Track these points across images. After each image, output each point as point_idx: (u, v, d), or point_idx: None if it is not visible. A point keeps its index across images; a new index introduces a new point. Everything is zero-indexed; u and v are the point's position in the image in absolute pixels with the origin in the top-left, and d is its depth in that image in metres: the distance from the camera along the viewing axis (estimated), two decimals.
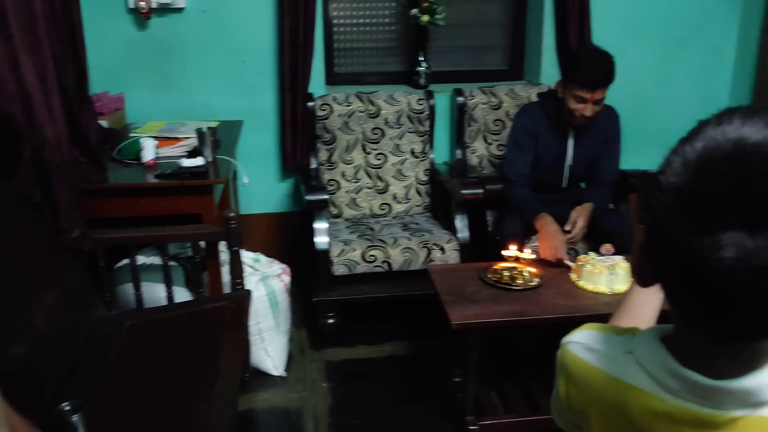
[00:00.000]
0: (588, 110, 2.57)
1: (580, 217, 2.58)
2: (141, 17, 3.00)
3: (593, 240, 2.65)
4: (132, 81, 3.09)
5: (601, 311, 2.12)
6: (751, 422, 0.67)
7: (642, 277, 0.76)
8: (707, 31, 3.51)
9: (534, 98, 3.19)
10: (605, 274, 2.23)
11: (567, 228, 2.60)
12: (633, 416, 0.73)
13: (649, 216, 0.68)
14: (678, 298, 0.68)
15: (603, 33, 3.29)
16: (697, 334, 0.69)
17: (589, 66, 2.51)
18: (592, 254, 2.33)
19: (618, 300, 2.15)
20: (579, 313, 2.13)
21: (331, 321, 2.79)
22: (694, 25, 3.47)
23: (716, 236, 0.59)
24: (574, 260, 2.40)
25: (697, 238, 0.60)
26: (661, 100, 3.55)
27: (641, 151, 3.40)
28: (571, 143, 2.75)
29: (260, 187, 3.26)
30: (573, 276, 2.33)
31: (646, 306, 0.98)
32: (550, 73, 3.41)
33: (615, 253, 2.35)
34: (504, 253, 2.35)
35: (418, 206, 3.20)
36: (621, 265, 2.25)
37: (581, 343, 0.82)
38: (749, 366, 0.67)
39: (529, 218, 2.62)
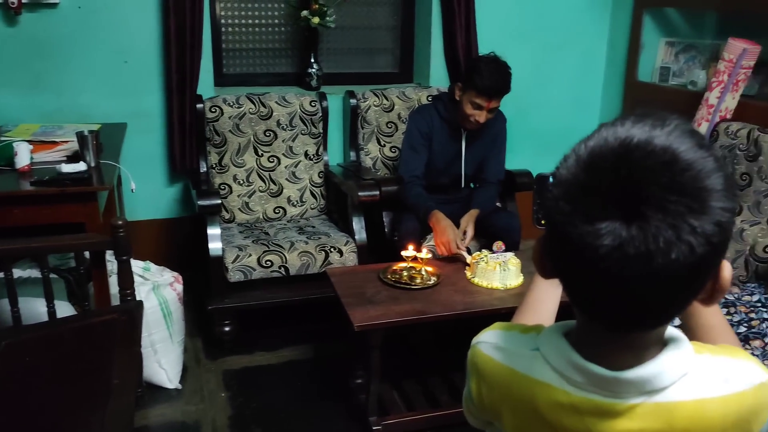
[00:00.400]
0: (482, 117, 2.67)
1: (468, 225, 2.64)
2: (11, 12, 2.78)
3: (484, 238, 2.74)
4: (1, 81, 2.86)
5: (495, 306, 2.21)
6: (647, 409, 0.71)
7: (543, 269, 0.79)
8: (580, 37, 3.73)
9: (425, 101, 3.26)
10: (498, 270, 2.32)
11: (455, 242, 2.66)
12: (541, 410, 0.76)
13: (544, 209, 0.72)
14: (572, 288, 0.72)
15: (487, 38, 3.42)
16: (595, 326, 0.73)
17: (489, 76, 2.60)
18: (485, 252, 2.41)
19: (511, 294, 2.26)
20: (475, 308, 2.20)
21: (227, 329, 2.71)
22: (568, 31, 3.68)
23: (596, 225, 0.63)
24: (469, 253, 2.48)
25: (579, 227, 0.64)
26: (540, 102, 3.73)
27: (523, 152, 3.59)
28: (463, 144, 2.84)
29: (147, 192, 3.12)
30: (468, 273, 2.40)
31: (547, 301, 1.03)
32: (438, 76, 3.50)
33: (506, 250, 2.45)
34: (402, 253, 2.38)
35: (313, 209, 3.18)
36: (512, 261, 2.35)
37: (490, 342, 0.84)
38: (643, 356, 0.72)
39: (423, 216, 2.67)
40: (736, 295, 2.20)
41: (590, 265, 0.65)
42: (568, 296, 0.74)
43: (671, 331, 0.75)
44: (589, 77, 3.84)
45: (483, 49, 3.40)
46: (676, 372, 0.71)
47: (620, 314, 0.69)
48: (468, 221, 2.66)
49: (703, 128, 2.92)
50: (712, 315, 0.88)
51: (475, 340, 0.87)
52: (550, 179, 1.01)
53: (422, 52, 3.57)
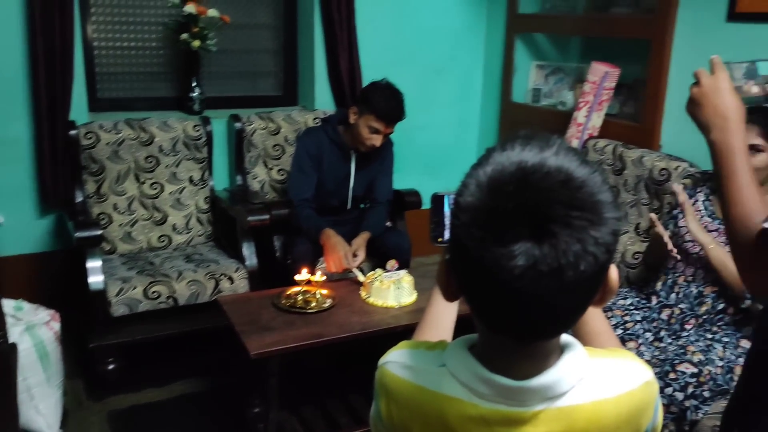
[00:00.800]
0: (378, 141, 2.74)
1: (360, 248, 2.66)
2: None
3: (376, 257, 2.77)
4: None
5: (392, 324, 2.23)
6: (550, 414, 0.75)
7: (448, 291, 0.82)
8: (458, 60, 3.90)
9: (311, 123, 3.27)
10: (392, 289, 2.35)
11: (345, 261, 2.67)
12: (452, 424, 0.78)
13: (452, 234, 0.75)
14: (481, 306, 0.75)
15: (370, 61, 3.49)
16: (499, 339, 0.76)
17: (388, 102, 2.70)
18: (379, 271, 2.43)
19: (406, 312, 2.29)
20: (372, 328, 2.21)
21: (111, 366, 2.55)
22: (447, 55, 3.83)
23: (509, 247, 0.66)
24: (363, 274, 2.49)
25: (493, 250, 0.67)
26: (423, 124, 3.84)
27: (410, 171, 3.68)
28: (353, 166, 2.87)
29: (16, 225, 2.90)
30: (363, 293, 2.41)
31: (446, 317, 1.06)
32: (323, 98, 3.52)
33: (399, 268, 2.49)
34: (296, 277, 2.36)
35: (200, 236, 3.08)
36: (406, 279, 2.39)
37: (398, 362, 0.85)
38: (544, 364, 0.76)
39: (314, 236, 2.67)
40: (611, 300, 2.36)
41: (505, 284, 0.67)
42: (475, 313, 0.76)
43: (565, 337, 0.80)
44: (468, 99, 4.01)
45: (366, 72, 3.47)
46: (573, 377, 0.76)
47: (528, 326, 0.72)
48: (359, 244, 2.68)
49: (574, 145, 3.12)
50: (599, 322, 0.95)
51: (381, 360, 0.88)
52: (446, 198, 1.05)
53: (306, 76, 3.58)
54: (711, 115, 1.08)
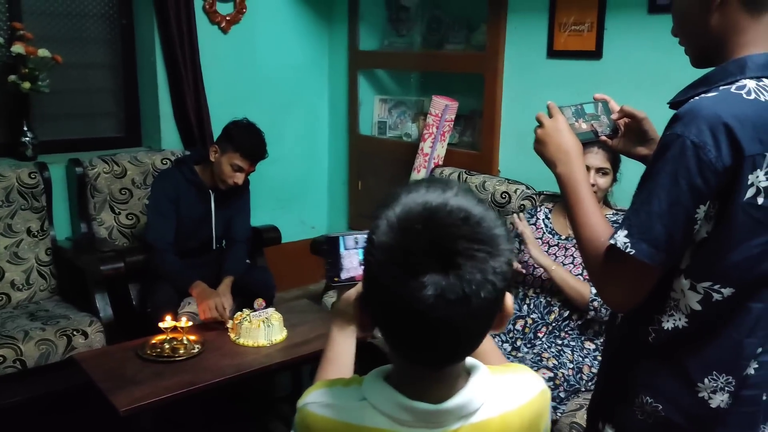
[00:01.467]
0: (241, 179, 2.74)
1: (225, 295, 2.59)
2: None
3: (241, 297, 2.74)
4: None
5: (265, 363, 2.22)
6: (466, 430, 0.82)
7: (363, 325, 0.87)
8: (304, 96, 3.98)
9: (159, 164, 3.18)
10: (262, 327, 2.34)
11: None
12: None
13: (367, 271, 0.81)
14: (395, 336, 0.81)
15: (217, 100, 3.47)
16: (414, 367, 0.82)
17: (253, 141, 2.73)
18: (246, 311, 2.41)
19: (278, 349, 2.30)
20: (246, 369, 2.18)
21: None
22: (293, 91, 3.90)
23: (419, 279, 0.73)
24: (231, 317, 2.46)
25: (406, 283, 0.74)
26: (274, 159, 3.83)
27: (265, 207, 3.68)
28: (213, 206, 2.84)
29: None
30: (232, 335, 2.38)
31: (346, 354, 1.09)
32: (170, 138, 3.43)
33: (266, 306, 2.48)
34: (160, 325, 2.27)
35: (43, 290, 2.86)
36: (275, 317, 2.39)
37: (317, 402, 0.88)
38: (455, 386, 0.83)
39: (181, 286, 2.59)
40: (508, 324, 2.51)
41: (418, 314, 0.74)
42: (390, 344, 0.82)
43: (468, 359, 0.87)
44: (316, 132, 4.10)
45: (214, 110, 3.44)
46: (482, 395, 0.84)
47: (440, 352, 0.79)
48: (224, 290, 2.63)
49: (422, 174, 3.31)
50: (487, 342, 1.03)
51: (300, 402, 0.90)
52: (340, 239, 1.11)
53: (150, 115, 3.47)
54: (555, 152, 1.20)
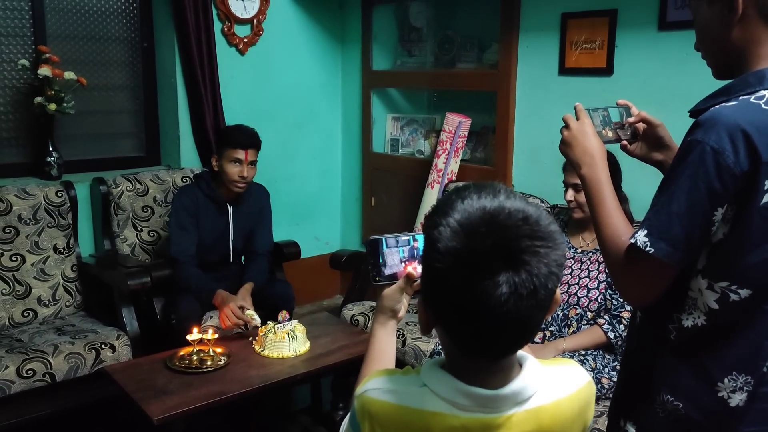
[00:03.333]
0: (245, 170, 2.80)
1: (245, 298, 2.67)
2: None
3: (262, 309, 2.79)
4: None
5: (291, 374, 2.28)
6: (520, 417, 0.88)
7: (426, 326, 0.93)
8: (318, 114, 4.06)
9: (179, 182, 3.26)
10: (287, 339, 2.39)
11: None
12: None
13: (431, 276, 0.86)
14: (461, 333, 0.87)
15: (233, 119, 3.54)
16: (470, 359, 0.88)
17: (238, 130, 2.85)
18: (271, 323, 2.47)
19: (302, 360, 2.36)
20: (272, 380, 2.24)
21: None
22: (307, 111, 3.99)
23: (493, 278, 0.79)
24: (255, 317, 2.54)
25: (480, 283, 0.80)
26: (288, 175, 3.95)
27: (281, 222, 3.74)
28: (231, 219, 2.91)
29: None
30: (257, 347, 2.43)
31: (389, 351, 1.15)
32: (189, 157, 3.52)
33: (289, 318, 2.54)
34: (188, 337, 2.33)
35: (68, 306, 2.92)
36: (298, 329, 2.45)
37: (379, 388, 0.93)
38: (510, 374, 0.89)
39: (204, 298, 2.67)
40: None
41: (489, 311, 0.80)
42: (454, 341, 0.88)
43: (518, 352, 0.93)
44: (330, 150, 4.18)
45: None
46: (535, 383, 0.90)
47: (504, 345, 0.86)
48: (244, 294, 2.70)
49: (436, 190, 3.37)
50: None
51: (360, 390, 0.95)
52: (382, 241, 1.18)
53: (170, 135, 3.56)
54: (581, 155, 1.26)
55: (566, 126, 1.30)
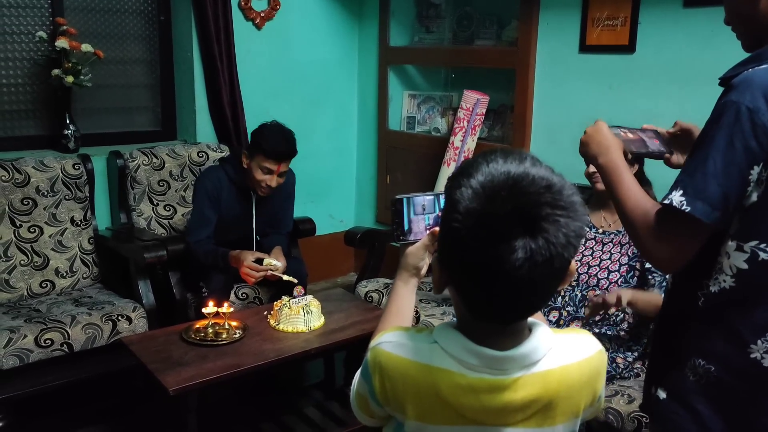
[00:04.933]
0: (274, 182, 2.75)
1: (278, 256, 2.74)
2: None
3: (276, 286, 2.81)
4: None
5: (305, 348, 2.28)
6: (528, 380, 0.89)
7: (439, 285, 0.93)
8: (334, 92, 4.04)
9: (195, 157, 3.26)
10: (302, 314, 2.40)
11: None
12: (443, 393, 0.89)
13: (448, 235, 0.86)
14: (474, 295, 0.87)
15: (251, 95, 3.55)
16: (481, 322, 0.89)
17: (276, 141, 2.71)
18: (286, 298, 2.47)
19: (316, 335, 2.36)
20: (286, 354, 2.24)
21: (1, 424, 2.38)
22: (323, 87, 3.96)
23: (510, 243, 0.79)
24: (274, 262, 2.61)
25: (496, 246, 0.80)
26: (304, 154, 3.89)
27: (296, 199, 3.74)
28: (254, 205, 2.90)
29: None
30: (272, 321, 2.44)
31: (408, 308, 1.16)
32: (205, 132, 3.51)
33: (304, 294, 2.54)
34: (204, 310, 2.34)
35: (86, 278, 2.94)
36: (313, 304, 2.45)
37: (392, 341, 0.95)
38: (520, 338, 0.90)
39: (223, 264, 2.70)
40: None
41: (504, 275, 0.80)
42: (466, 303, 0.88)
43: (530, 318, 0.93)
44: (345, 128, 4.16)
45: (248, 105, 3.51)
46: (544, 347, 0.90)
47: (517, 309, 0.86)
48: (277, 254, 2.76)
49: (452, 167, 3.35)
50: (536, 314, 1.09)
51: (374, 342, 0.97)
52: (405, 200, 1.18)
53: (186, 110, 3.55)
54: (596, 147, 1.32)
55: (584, 133, 1.37)
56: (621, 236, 2.34)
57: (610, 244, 2.36)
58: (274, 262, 2.63)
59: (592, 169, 2.32)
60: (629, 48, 2.75)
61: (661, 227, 1.14)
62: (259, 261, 2.67)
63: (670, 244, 1.14)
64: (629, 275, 2.29)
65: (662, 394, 1.25)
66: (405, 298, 1.14)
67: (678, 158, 1.44)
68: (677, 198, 1.09)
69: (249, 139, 2.86)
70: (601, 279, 2.32)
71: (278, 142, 2.72)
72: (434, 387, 0.89)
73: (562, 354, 0.92)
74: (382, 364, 0.94)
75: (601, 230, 2.42)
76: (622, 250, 2.32)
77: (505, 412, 0.88)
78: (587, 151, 1.35)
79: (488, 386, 0.88)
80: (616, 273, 2.30)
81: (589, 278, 2.34)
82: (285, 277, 2.64)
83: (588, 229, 2.44)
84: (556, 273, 0.82)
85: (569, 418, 0.92)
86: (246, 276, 2.63)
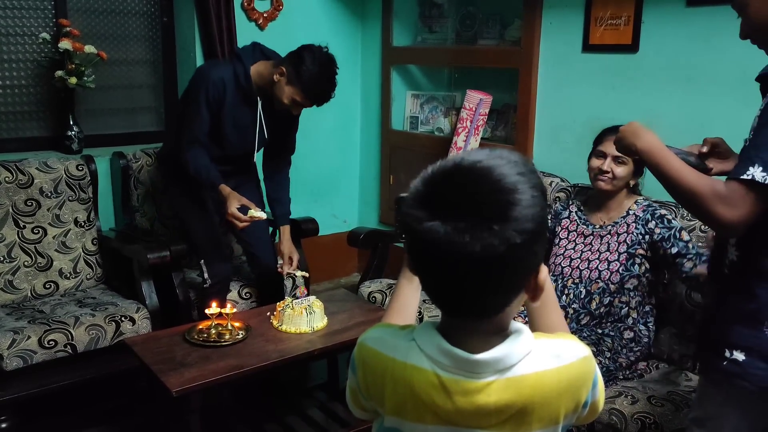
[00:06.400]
0: (297, 111, 2.64)
1: (291, 251, 2.72)
2: None
3: (275, 287, 2.81)
4: None
5: (308, 349, 2.28)
6: (500, 384, 0.87)
7: (409, 270, 0.95)
8: (337, 92, 3.95)
9: None
10: (305, 314, 2.40)
11: (284, 266, 2.77)
12: (417, 391, 0.89)
13: (400, 221, 0.89)
14: (427, 284, 0.89)
15: None
16: (451, 318, 0.90)
17: (321, 87, 2.51)
18: (288, 299, 2.47)
19: (320, 336, 2.36)
20: (289, 355, 2.24)
21: (4, 425, 2.38)
22: None
23: (434, 221, 0.80)
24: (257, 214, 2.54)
25: (422, 225, 0.81)
26: (308, 153, 3.92)
27: (299, 199, 3.74)
28: (260, 113, 2.67)
29: None
30: (275, 322, 2.44)
31: (411, 304, 1.17)
32: None
33: (307, 294, 2.54)
34: (207, 311, 2.34)
35: (89, 279, 2.95)
36: (316, 304, 2.45)
37: (374, 337, 0.97)
38: (492, 341, 0.88)
39: (211, 191, 2.60)
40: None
41: (454, 263, 0.81)
42: (430, 296, 0.89)
43: (515, 324, 0.93)
44: (348, 127, 4.16)
45: None
46: (520, 352, 0.88)
47: (467, 302, 0.85)
48: (289, 248, 2.75)
49: None
50: (556, 317, 1.07)
51: (361, 338, 0.99)
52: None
53: None
54: (632, 136, 1.45)
55: (618, 131, 1.52)
56: (617, 227, 2.34)
57: (608, 236, 2.36)
58: (258, 214, 2.50)
59: (606, 166, 2.31)
60: (632, 47, 2.74)
61: (735, 197, 1.26)
62: (245, 209, 2.54)
63: (742, 213, 1.26)
64: (629, 263, 2.29)
65: (740, 356, 1.36)
66: (408, 295, 1.14)
67: (719, 167, 1.55)
68: (759, 173, 1.23)
69: (294, 58, 2.52)
70: (602, 270, 2.32)
71: (325, 89, 2.53)
72: (410, 384, 0.89)
73: (539, 360, 0.90)
74: (364, 358, 0.96)
75: (598, 226, 2.41)
76: (620, 239, 2.33)
77: (478, 415, 0.88)
78: (624, 142, 1.47)
79: (461, 388, 0.87)
80: (616, 262, 2.30)
81: (590, 272, 2.34)
82: (262, 217, 2.54)
83: (585, 227, 2.44)
84: (506, 260, 0.80)
85: (547, 424, 0.91)
86: (232, 221, 2.52)
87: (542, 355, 0.90)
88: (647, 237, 2.28)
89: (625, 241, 2.31)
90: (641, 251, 2.29)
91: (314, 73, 2.48)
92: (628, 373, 2.25)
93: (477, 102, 3.26)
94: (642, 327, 2.30)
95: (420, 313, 2.71)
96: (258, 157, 2.89)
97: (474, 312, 0.87)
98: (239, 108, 2.62)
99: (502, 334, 0.90)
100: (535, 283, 0.87)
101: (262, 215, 2.55)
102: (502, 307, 0.87)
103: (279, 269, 2.76)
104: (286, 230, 2.81)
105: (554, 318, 1.06)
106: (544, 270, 0.88)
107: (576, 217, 2.49)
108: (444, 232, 0.79)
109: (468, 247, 0.78)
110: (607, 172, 2.30)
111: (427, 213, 0.81)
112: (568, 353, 0.92)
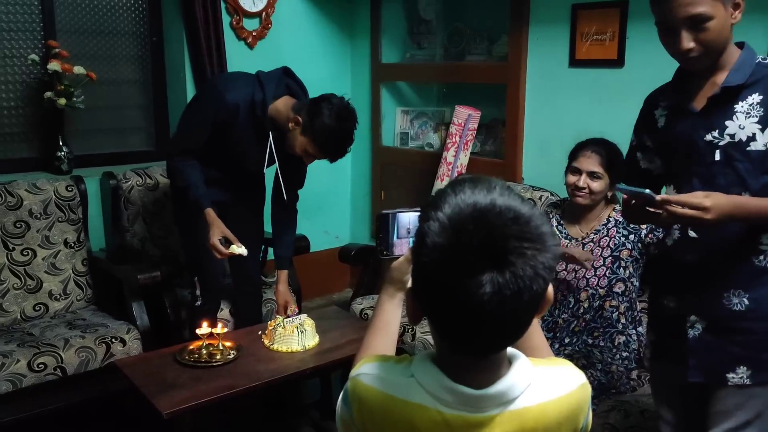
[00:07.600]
0: (309, 161, 2.49)
1: (287, 298, 2.70)
2: None
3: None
4: None
5: (300, 368, 2.27)
6: (504, 417, 0.87)
7: (414, 317, 0.93)
8: None
9: None
10: (296, 333, 2.39)
11: (278, 313, 2.74)
12: (419, 428, 0.88)
13: (419, 270, 0.85)
14: (445, 328, 0.86)
15: None
16: (457, 354, 0.88)
17: (337, 146, 2.39)
18: (279, 318, 2.46)
19: (311, 355, 2.35)
20: (281, 374, 2.23)
21: None
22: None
23: (477, 278, 0.78)
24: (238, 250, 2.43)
25: (463, 282, 0.78)
26: None
27: None
28: (272, 142, 2.51)
29: None
30: (266, 341, 2.43)
31: (393, 323, 1.16)
32: None
33: (298, 312, 2.54)
34: (197, 331, 2.33)
35: (79, 300, 2.93)
36: (307, 323, 2.44)
37: (369, 373, 0.94)
38: (497, 374, 0.88)
39: (194, 209, 2.47)
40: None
41: (474, 309, 0.79)
42: (439, 334, 0.88)
43: (510, 349, 0.92)
44: None
45: None
46: (522, 384, 0.88)
47: (487, 342, 0.84)
48: (284, 294, 2.72)
49: (446, 182, 3.35)
50: (538, 337, 1.08)
51: (353, 372, 0.97)
52: (390, 216, 1.20)
53: None
54: (719, 216, 1.45)
55: (700, 220, 1.44)
56: (599, 234, 2.36)
57: (591, 243, 2.36)
58: (239, 251, 2.42)
59: (582, 183, 2.33)
60: (618, 62, 2.76)
61: None
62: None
63: None
64: (615, 266, 2.31)
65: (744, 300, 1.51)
66: (390, 312, 1.14)
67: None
68: None
69: (313, 110, 2.34)
70: (590, 278, 2.33)
71: (341, 148, 2.39)
72: (411, 422, 0.88)
73: (541, 390, 0.90)
74: (360, 396, 0.93)
75: (579, 238, 2.41)
76: (602, 244, 2.34)
77: None
78: (720, 220, 1.44)
79: (464, 423, 0.86)
80: (602, 267, 2.32)
81: (578, 281, 2.35)
82: (242, 253, 2.43)
83: (567, 241, 2.43)
84: (526, 306, 0.81)
85: None
86: (214, 248, 2.42)
87: (543, 385, 0.90)
88: (632, 236, 2.29)
89: (608, 245, 2.32)
90: (626, 253, 2.30)
91: (330, 128, 2.32)
92: (619, 385, 2.25)
93: (466, 117, 3.27)
94: (632, 331, 2.30)
95: (412, 329, 2.71)
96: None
97: (483, 350, 0.86)
98: (248, 131, 2.48)
99: (503, 365, 0.89)
100: (545, 300, 0.86)
101: (243, 251, 2.44)
102: (519, 337, 0.87)
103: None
104: (283, 275, 2.73)
105: (537, 339, 1.07)
106: (550, 286, 0.86)
107: (556, 231, 2.49)
108: (502, 282, 0.77)
109: (526, 292, 0.78)
110: (584, 188, 2.32)
111: (473, 266, 0.78)
112: (567, 382, 0.93)
